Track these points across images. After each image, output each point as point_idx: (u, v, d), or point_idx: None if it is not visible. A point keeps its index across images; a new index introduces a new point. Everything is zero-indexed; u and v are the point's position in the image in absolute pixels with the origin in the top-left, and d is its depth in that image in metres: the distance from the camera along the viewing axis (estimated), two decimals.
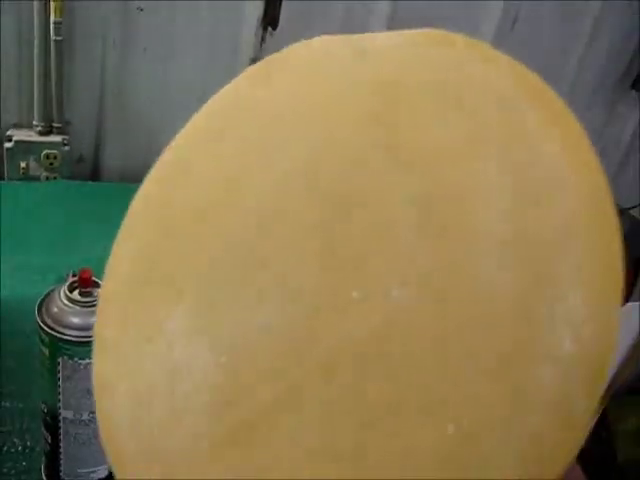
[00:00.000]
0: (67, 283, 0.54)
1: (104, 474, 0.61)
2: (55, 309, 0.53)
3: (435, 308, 0.21)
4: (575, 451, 0.19)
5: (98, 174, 1.27)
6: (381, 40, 0.27)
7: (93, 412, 0.56)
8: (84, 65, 1.17)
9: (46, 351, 0.54)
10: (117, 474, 0.25)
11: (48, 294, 0.55)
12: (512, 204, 0.21)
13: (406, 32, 0.27)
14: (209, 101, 0.30)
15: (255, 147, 0.26)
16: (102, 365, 0.27)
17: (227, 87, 0.30)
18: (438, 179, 0.22)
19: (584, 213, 0.21)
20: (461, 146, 0.23)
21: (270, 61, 0.29)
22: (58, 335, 0.52)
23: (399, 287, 0.21)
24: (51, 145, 1.15)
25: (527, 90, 0.25)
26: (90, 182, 1.23)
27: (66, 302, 0.53)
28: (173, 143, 0.30)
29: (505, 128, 0.23)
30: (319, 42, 0.28)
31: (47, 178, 1.16)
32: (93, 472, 0.61)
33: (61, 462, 0.60)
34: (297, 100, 0.27)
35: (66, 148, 1.15)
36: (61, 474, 0.60)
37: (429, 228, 0.22)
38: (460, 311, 0.21)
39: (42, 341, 0.54)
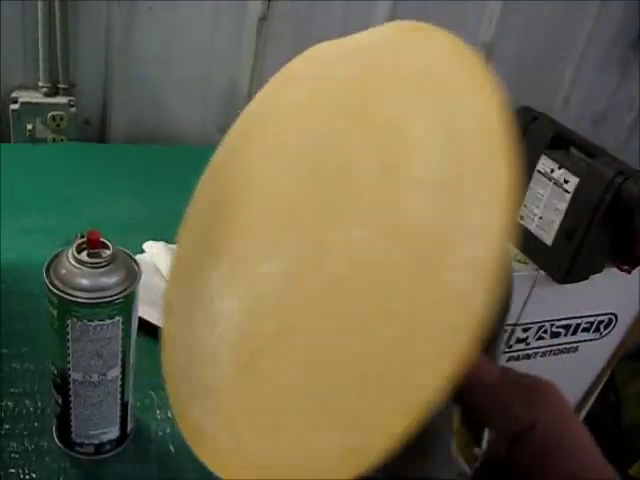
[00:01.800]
0: (75, 244, 0.54)
1: (115, 435, 0.62)
2: (63, 271, 0.53)
3: (384, 242, 0.27)
4: (478, 336, 0.23)
5: (105, 136, 1.26)
6: (358, 40, 0.36)
7: (103, 374, 0.56)
8: (89, 25, 1.15)
9: (55, 312, 0.53)
10: (174, 408, 0.33)
11: (56, 256, 0.55)
12: (440, 157, 0.28)
13: (378, 28, 0.35)
14: (249, 105, 0.40)
15: (277, 141, 0.37)
16: (167, 323, 0.36)
17: (260, 93, 0.40)
18: (391, 138, 0.30)
19: (483, 161, 0.26)
20: (409, 116, 0.30)
21: (286, 73, 0.39)
22: (66, 297, 0.52)
23: (359, 229, 0.29)
24: (57, 107, 1.13)
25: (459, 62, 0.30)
26: (97, 144, 1.22)
27: (74, 263, 0.53)
28: (226, 139, 0.40)
29: (440, 101, 0.29)
30: (311, 53, 0.38)
31: (54, 140, 1.15)
32: (104, 433, 0.61)
33: (72, 423, 0.60)
34: (302, 103, 0.36)
35: (72, 109, 1.14)
36: (72, 435, 0.61)
37: (384, 176, 0.29)
38: (400, 241, 0.27)
39: (51, 303, 0.53)
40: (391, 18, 1.27)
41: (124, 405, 0.60)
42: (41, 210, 0.97)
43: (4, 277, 0.83)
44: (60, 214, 0.96)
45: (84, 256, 0.53)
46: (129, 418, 0.62)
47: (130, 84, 1.22)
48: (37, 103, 1.13)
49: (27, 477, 0.60)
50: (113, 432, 0.61)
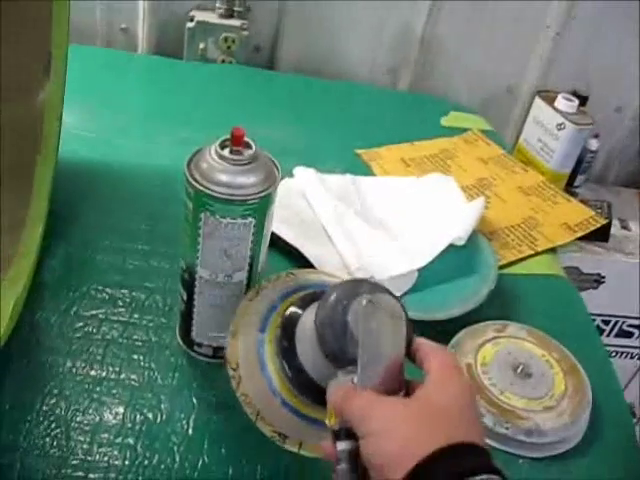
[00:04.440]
0: (219, 141, 0.53)
1: None
2: (204, 165, 0.53)
3: None
4: None
5: (273, 65, 1.26)
6: None
7: (229, 275, 0.56)
8: None
9: (190, 205, 0.53)
10: None
11: (199, 150, 0.55)
12: None
13: None
14: None
15: None
16: None
17: None
18: None
19: None
20: None
21: None
22: (203, 189, 0.51)
23: None
24: (230, 28, 1.15)
25: None
26: (264, 70, 1.22)
27: (216, 159, 0.52)
28: None
29: None
30: None
31: (223, 61, 1.17)
32: (222, 337, 0.61)
33: (193, 322, 0.60)
34: None
35: (245, 33, 1.15)
36: (192, 334, 0.61)
37: None
38: None
39: (187, 195, 0.53)
40: None
41: None
42: (200, 125, 0.99)
43: (157, 181, 0.86)
44: (218, 130, 0.96)
45: (226, 152, 0.53)
46: None
47: (304, 16, 1.22)
48: (212, 23, 1.14)
49: (146, 365, 0.62)
50: None
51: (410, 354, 0.46)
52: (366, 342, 0.44)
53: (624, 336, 1.24)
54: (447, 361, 0.45)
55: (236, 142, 0.52)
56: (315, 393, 0.49)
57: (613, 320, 1.22)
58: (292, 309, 0.53)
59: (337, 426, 0.44)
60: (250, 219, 0.53)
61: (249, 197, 0.52)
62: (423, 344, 0.46)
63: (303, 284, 0.57)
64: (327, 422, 0.45)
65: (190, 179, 0.52)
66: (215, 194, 0.51)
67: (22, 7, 0.67)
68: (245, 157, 0.52)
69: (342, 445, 0.44)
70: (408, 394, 0.44)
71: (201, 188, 0.51)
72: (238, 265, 0.56)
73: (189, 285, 0.58)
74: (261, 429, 0.51)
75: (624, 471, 0.63)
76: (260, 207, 0.53)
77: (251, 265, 0.56)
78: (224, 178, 0.51)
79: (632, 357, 1.28)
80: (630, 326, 1.23)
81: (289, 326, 0.52)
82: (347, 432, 0.44)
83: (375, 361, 0.44)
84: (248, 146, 0.53)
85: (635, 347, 1.27)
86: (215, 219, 0.52)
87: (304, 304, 0.53)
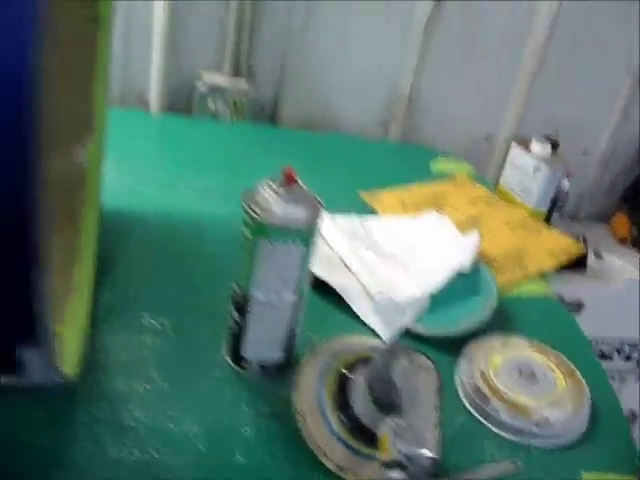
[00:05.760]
0: (272, 179, 0.63)
1: (277, 357, 0.70)
2: (261, 199, 0.62)
3: None
4: None
5: (275, 121, 1.37)
6: None
7: (280, 296, 0.65)
8: (272, 20, 1.27)
9: (248, 233, 0.62)
10: None
11: (252, 188, 0.64)
12: None
13: None
14: None
15: None
16: None
17: None
18: None
19: None
20: None
21: None
22: (263, 220, 0.61)
23: None
24: (238, 92, 1.26)
25: None
26: (270, 126, 1.34)
27: (271, 193, 0.62)
28: None
29: None
30: None
31: (232, 119, 1.28)
32: (270, 355, 0.70)
33: (245, 340, 0.68)
34: None
35: (251, 94, 1.26)
36: (243, 352, 0.69)
37: None
38: None
39: (246, 224, 0.62)
40: (554, 18, 1.33)
41: (292, 332, 0.70)
42: (215, 175, 1.09)
43: (183, 224, 0.95)
44: (232, 181, 1.04)
45: (281, 189, 0.62)
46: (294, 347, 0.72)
47: (303, 82, 1.34)
48: (221, 87, 1.26)
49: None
50: (278, 357, 0.70)
51: None
52: (405, 390, 0.64)
53: (604, 358, 1.35)
54: None
55: (289, 181, 0.62)
56: (367, 436, 0.63)
57: (593, 343, 1.32)
58: (343, 372, 0.70)
59: (389, 459, 0.59)
60: (301, 246, 0.62)
61: (301, 226, 0.61)
62: None
63: (349, 344, 0.75)
64: (379, 455, 0.60)
65: (249, 211, 0.62)
66: (273, 224, 0.61)
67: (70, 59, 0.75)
68: (297, 193, 0.62)
69: (393, 474, 0.59)
70: None
71: (259, 218, 0.61)
72: (289, 286, 0.65)
73: (242, 306, 0.67)
74: (325, 463, 0.63)
75: (620, 459, 0.72)
76: (308, 235, 0.63)
77: (299, 287, 0.66)
78: (279, 210, 0.61)
79: (612, 379, 1.38)
80: (610, 349, 1.34)
81: (342, 386, 0.68)
82: (398, 464, 0.59)
83: (413, 405, 0.63)
84: (297, 183, 0.63)
85: (615, 370, 1.37)
86: (272, 245, 0.62)
87: (352, 367, 0.70)
